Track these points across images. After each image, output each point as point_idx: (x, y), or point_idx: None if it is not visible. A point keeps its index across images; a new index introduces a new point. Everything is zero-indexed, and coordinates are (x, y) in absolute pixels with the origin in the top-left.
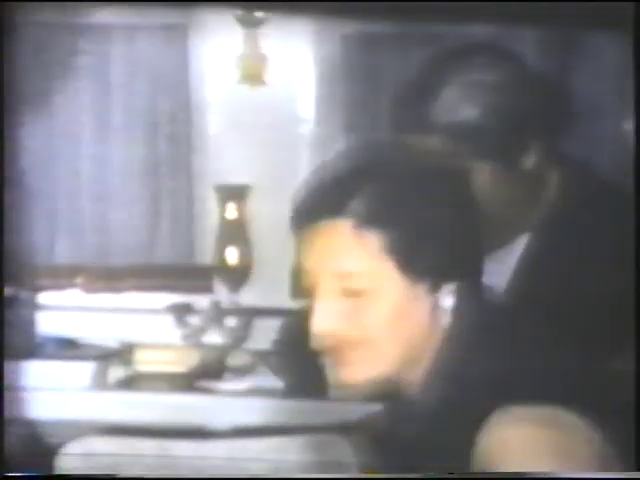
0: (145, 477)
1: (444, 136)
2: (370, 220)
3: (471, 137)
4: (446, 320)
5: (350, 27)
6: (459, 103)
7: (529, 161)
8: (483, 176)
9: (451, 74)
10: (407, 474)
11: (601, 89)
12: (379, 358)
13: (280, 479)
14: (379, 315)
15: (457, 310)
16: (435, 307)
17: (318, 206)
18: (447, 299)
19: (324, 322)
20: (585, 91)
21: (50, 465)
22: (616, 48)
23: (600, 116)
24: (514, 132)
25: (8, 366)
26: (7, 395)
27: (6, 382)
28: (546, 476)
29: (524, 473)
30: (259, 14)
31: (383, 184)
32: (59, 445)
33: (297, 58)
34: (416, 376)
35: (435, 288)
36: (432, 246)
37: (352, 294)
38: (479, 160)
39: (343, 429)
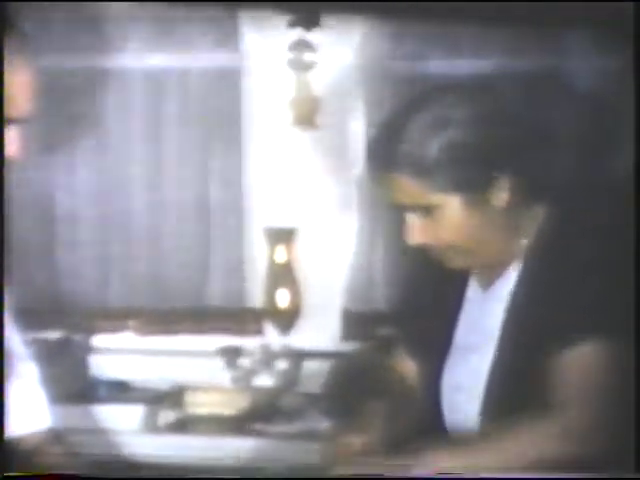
0: (145, 477)
1: (411, 172)
2: None
3: (434, 171)
4: None
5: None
6: (424, 139)
7: (500, 197)
8: (454, 209)
9: (417, 112)
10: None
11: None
12: None
13: (281, 479)
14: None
15: None
16: None
17: None
18: None
19: None
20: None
21: None
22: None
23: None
24: (480, 166)
25: (61, 409)
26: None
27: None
28: (542, 476)
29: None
30: (310, 58)
31: None
32: None
33: (348, 100)
34: None
35: None
36: None
37: None
38: (446, 194)
39: None
